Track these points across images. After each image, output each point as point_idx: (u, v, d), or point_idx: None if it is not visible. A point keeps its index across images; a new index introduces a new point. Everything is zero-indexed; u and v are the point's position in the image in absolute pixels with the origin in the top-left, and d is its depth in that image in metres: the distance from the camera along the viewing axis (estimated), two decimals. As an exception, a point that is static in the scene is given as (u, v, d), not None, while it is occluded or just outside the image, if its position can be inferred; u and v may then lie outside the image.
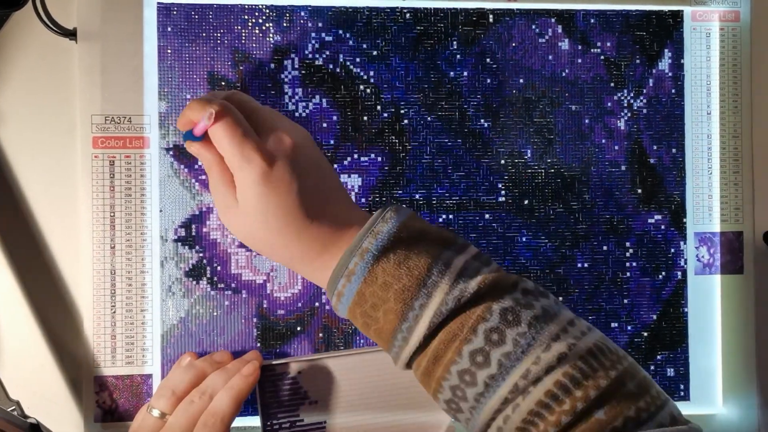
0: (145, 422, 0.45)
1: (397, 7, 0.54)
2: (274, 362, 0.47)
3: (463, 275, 0.36)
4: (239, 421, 0.52)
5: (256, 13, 0.53)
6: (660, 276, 0.56)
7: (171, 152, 0.52)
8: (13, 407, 0.47)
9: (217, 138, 0.37)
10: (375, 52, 0.54)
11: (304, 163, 0.38)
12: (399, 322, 0.36)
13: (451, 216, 0.54)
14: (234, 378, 0.46)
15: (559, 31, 0.55)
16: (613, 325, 0.55)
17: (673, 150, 0.56)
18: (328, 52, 0.53)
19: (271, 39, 0.53)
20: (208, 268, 0.52)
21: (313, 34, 0.53)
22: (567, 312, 0.37)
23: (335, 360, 0.49)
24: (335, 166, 0.53)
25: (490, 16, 0.55)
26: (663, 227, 0.56)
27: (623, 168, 0.56)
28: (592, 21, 0.55)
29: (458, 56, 0.54)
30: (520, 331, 0.35)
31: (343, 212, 0.39)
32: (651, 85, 0.56)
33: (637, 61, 0.56)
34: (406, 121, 0.54)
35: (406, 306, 0.35)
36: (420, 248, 0.37)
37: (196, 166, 0.52)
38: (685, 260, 0.56)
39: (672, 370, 0.56)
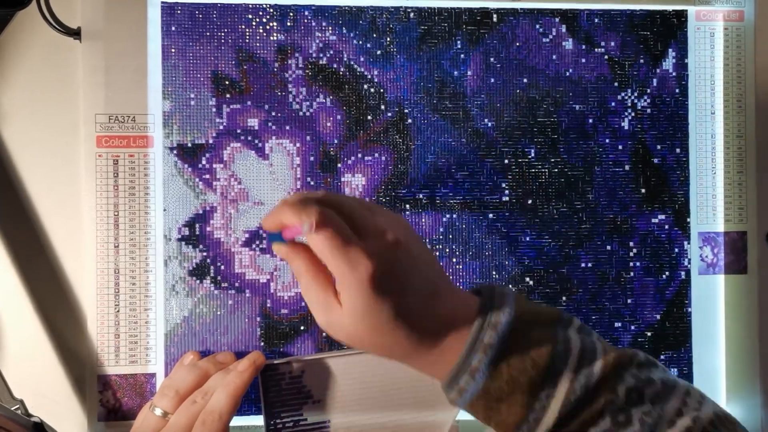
0: (148, 421, 0.45)
1: (402, 7, 0.54)
2: (277, 361, 0.47)
3: (584, 358, 0.36)
4: (243, 421, 0.52)
5: (260, 13, 0.53)
6: (663, 276, 0.56)
7: (175, 151, 0.52)
8: (17, 406, 0.47)
9: (317, 246, 0.36)
10: (379, 52, 0.54)
11: (409, 259, 0.37)
12: (525, 414, 0.35)
13: (455, 216, 0.54)
14: (230, 375, 0.46)
15: (563, 30, 0.55)
16: (616, 324, 0.55)
17: (677, 150, 0.56)
18: (332, 52, 0.53)
19: (275, 38, 0.53)
20: (212, 267, 0.52)
21: (317, 33, 0.53)
22: (680, 381, 0.38)
23: (338, 359, 0.49)
24: (339, 166, 0.53)
25: (494, 15, 0.55)
26: (667, 227, 0.56)
27: (627, 168, 0.56)
28: (596, 21, 0.55)
29: (462, 55, 0.54)
30: (645, 409, 0.35)
31: (449, 300, 0.38)
32: (655, 84, 0.56)
33: (641, 60, 0.56)
34: (410, 121, 0.54)
35: (532, 398, 0.35)
36: (537, 333, 0.36)
37: (200, 166, 0.52)
38: (689, 260, 0.56)
39: (675, 369, 0.55)
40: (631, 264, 0.55)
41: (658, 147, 0.56)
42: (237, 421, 0.51)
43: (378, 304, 0.35)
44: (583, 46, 0.55)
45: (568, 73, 0.55)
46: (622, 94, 0.56)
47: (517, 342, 0.36)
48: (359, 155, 0.54)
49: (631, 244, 0.55)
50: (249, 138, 0.53)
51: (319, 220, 0.35)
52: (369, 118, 0.54)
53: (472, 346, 0.36)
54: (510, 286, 0.54)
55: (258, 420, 0.51)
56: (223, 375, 0.47)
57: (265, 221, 0.38)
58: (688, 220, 0.56)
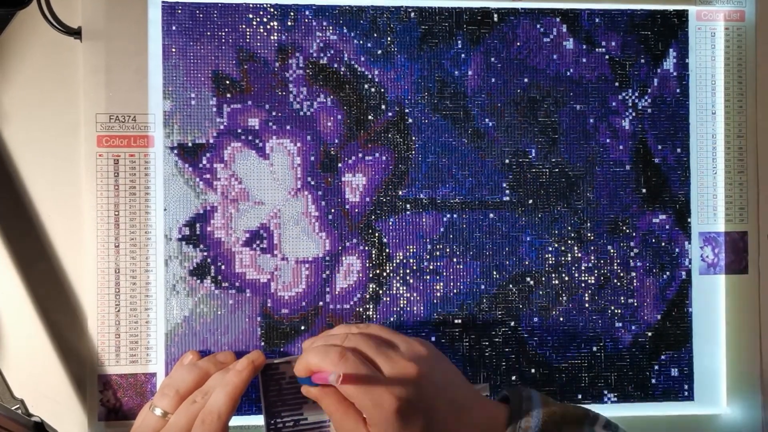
0: (147, 421, 0.45)
1: (402, 6, 0.54)
2: (277, 361, 0.47)
3: None
4: (243, 420, 0.52)
5: (261, 12, 0.53)
6: (664, 276, 0.56)
7: (175, 151, 0.52)
8: (18, 406, 0.47)
9: (344, 389, 0.39)
10: (380, 51, 0.54)
11: (432, 387, 0.40)
12: None
13: (455, 215, 0.54)
14: (229, 374, 0.46)
15: (564, 30, 0.55)
16: (617, 324, 0.55)
17: (678, 150, 0.56)
18: (332, 51, 0.53)
19: (275, 38, 0.53)
20: (213, 266, 0.52)
21: (318, 33, 0.53)
22: None
23: None
24: (339, 165, 0.53)
25: (495, 15, 0.55)
26: (667, 227, 0.56)
27: (628, 167, 0.56)
28: (597, 20, 0.55)
29: (463, 55, 0.54)
30: None
31: (477, 413, 0.40)
32: (656, 84, 0.56)
33: (642, 60, 0.56)
34: (410, 120, 0.54)
35: None
36: None
37: (201, 165, 0.52)
38: (690, 260, 0.56)
39: (676, 370, 0.55)
40: (632, 264, 0.55)
41: (659, 147, 0.56)
42: (237, 421, 0.51)
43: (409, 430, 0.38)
44: (584, 46, 0.55)
45: (568, 73, 0.55)
46: (623, 94, 0.56)
47: None
48: (360, 155, 0.54)
49: (632, 244, 0.55)
50: (249, 138, 0.53)
51: (342, 364, 0.38)
52: (370, 117, 0.54)
53: None
54: (510, 287, 0.54)
55: (258, 420, 0.51)
56: (222, 374, 0.46)
57: (297, 368, 0.42)
58: (689, 220, 0.56)
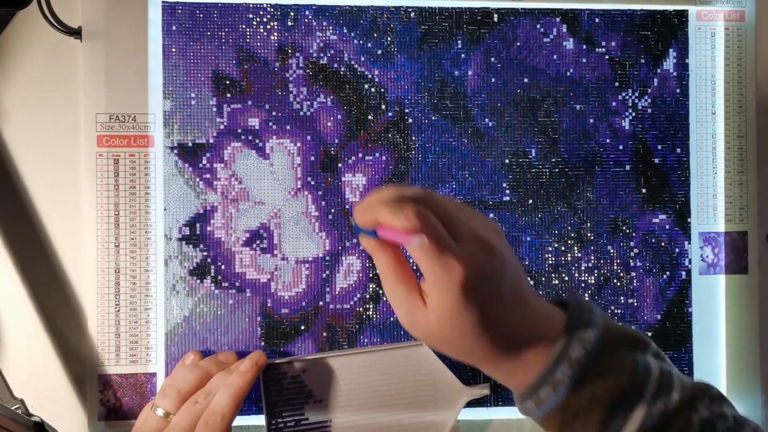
0: (149, 421, 0.45)
1: (402, 6, 0.54)
2: (278, 361, 0.47)
3: (662, 385, 0.36)
4: (244, 420, 0.52)
5: (261, 12, 0.53)
6: (664, 276, 0.56)
7: (175, 151, 0.52)
8: (18, 405, 0.47)
9: (414, 249, 0.35)
10: (380, 51, 0.54)
11: (501, 266, 0.37)
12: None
13: (455, 215, 0.54)
14: (232, 375, 0.46)
15: (564, 30, 0.55)
16: (617, 324, 0.55)
17: (678, 150, 0.56)
18: (332, 51, 0.53)
19: (275, 38, 0.53)
20: (213, 266, 0.52)
21: (318, 33, 0.53)
22: (749, 420, 0.38)
23: (339, 359, 0.49)
24: (339, 165, 0.53)
25: (495, 15, 0.55)
26: (667, 227, 0.56)
27: (627, 168, 0.56)
28: (597, 20, 0.55)
29: (463, 55, 0.54)
30: None
31: (536, 311, 0.38)
32: (655, 84, 0.56)
33: (642, 60, 0.56)
34: (410, 120, 0.54)
35: (609, 418, 0.35)
36: (620, 354, 0.37)
37: (201, 165, 0.52)
38: (690, 260, 0.56)
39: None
40: (632, 264, 0.55)
41: (659, 147, 0.56)
42: (238, 421, 0.51)
43: (467, 309, 0.35)
44: (584, 46, 0.55)
45: (568, 73, 0.55)
46: (623, 94, 0.56)
47: (602, 360, 0.36)
48: (360, 155, 0.54)
49: (632, 244, 0.55)
50: (249, 137, 0.53)
51: (418, 222, 0.35)
52: (370, 117, 0.54)
53: (559, 359, 0.36)
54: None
55: (259, 419, 0.51)
56: (225, 375, 0.46)
57: (359, 216, 0.37)
58: (689, 220, 0.56)
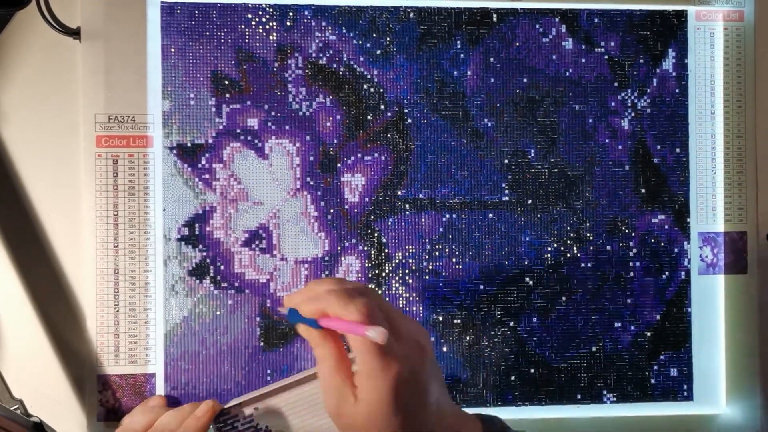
0: None
1: (401, 6, 0.54)
2: (227, 406, 0.46)
3: None
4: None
5: (260, 12, 0.53)
6: (663, 276, 0.56)
7: (174, 151, 0.52)
8: (17, 406, 0.47)
9: (370, 339, 0.36)
10: (379, 51, 0.54)
11: (431, 370, 0.38)
12: None
13: (454, 216, 0.54)
14: (188, 420, 0.45)
15: (563, 30, 0.55)
16: (616, 324, 0.55)
17: (677, 150, 0.56)
18: (331, 51, 0.53)
19: (274, 38, 0.53)
20: (212, 267, 0.52)
21: (317, 33, 0.53)
22: None
23: (279, 397, 0.47)
24: (338, 165, 0.53)
25: (494, 15, 0.55)
26: (666, 227, 0.56)
27: (627, 167, 0.56)
28: (596, 20, 0.55)
29: (462, 55, 0.54)
30: None
31: (453, 420, 0.39)
32: (655, 84, 0.56)
33: (641, 60, 0.56)
34: (409, 120, 0.54)
35: None
36: None
37: (200, 165, 0.52)
38: (689, 260, 0.56)
39: (675, 370, 0.55)
40: (631, 264, 0.55)
41: (658, 147, 0.56)
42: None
43: (396, 409, 0.36)
44: (583, 46, 0.55)
45: (567, 73, 0.55)
46: (622, 94, 0.56)
47: None
48: (359, 155, 0.54)
49: (631, 244, 0.55)
50: (248, 138, 0.53)
51: (368, 316, 0.36)
52: (369, 118, 0.54)
53: None
54: (510, 287, 0.54)
55: None
56: (173, 414, 0.46)
57: (305, 305, 0.38)
58: (688, 220, 0.56)
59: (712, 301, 0.56)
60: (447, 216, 0.54)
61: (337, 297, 0.37)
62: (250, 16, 0.53)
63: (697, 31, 0.57)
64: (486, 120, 0.54)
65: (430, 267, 0.54)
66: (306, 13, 0.53)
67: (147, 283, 0.52)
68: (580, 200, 0.55)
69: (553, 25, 0.55)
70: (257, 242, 0.52)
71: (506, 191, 0.55)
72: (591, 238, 0.55)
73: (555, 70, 0.55)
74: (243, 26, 0.53)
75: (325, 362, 0.38)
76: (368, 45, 0.54)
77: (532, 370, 0.54)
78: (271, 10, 0.53)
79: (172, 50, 0.52)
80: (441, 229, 0.54)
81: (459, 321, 0.54)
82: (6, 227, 0.51)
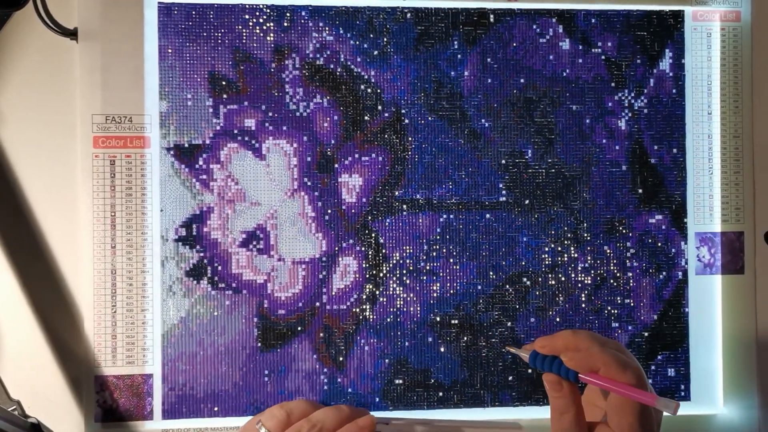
0: None
1: (398, 7, 0.54)
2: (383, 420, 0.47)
3: None
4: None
5: (257, 13, 0.53)
6: (661, 276, 0.56)
7: (171, 152, 0.52)
8: (14, 407, 0.47)
9: (628, 402, 0.39)
10: (376, 52, 0.54)
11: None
12: None
13: (452, 216, 0.54)
14: (350, 425, 0.45)
15: (560, 30, 0.55)
16: (613, 325, 0.55)
17: (674, 150, 0.56)
18: (328, 52, 0.53)
19: (271, 38, 0.53)
20: (209, 267, 0.52)
21: (314, 34, 0.53)
22: None
23: (433, 427, 0.48)
24: (336, 166, 0.53)
25: (491, 15, 0.55)
26: (664, 227, 0.56)
27: (624, 168, 0.56)
28: (593, 21, 0.55)
29: (459, 56, 0.54)
30: None
31: None
32: (652, 85, 0.56)
33: (638, 61, 0.56)
34: (407, 121, 0.54)
35: None
36: None
37: (197, 166, 0.52)
38: (686, 260, 0.56)
39: (672, 370, 0.55)
40: (628, 264, 0.55)
41: (655, 147, 0.56)
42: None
43: None
44: (580, 47, 0.55)
45: (565, 74, 0.55)
46: (619, 95, 0.56)
47: None
48: (356, 155, 0.54)
49: (629, 244, 0.55)
50: (246, 138, 0.53)
51: (643, 381, 0.39)
52: (366, 118, 0.54)
53: None
54: (507, 287, 0.54)
55: None
56: (334, 411, 0.45)
57: (569, 358, 0.40)
58: (685, 220, 0.56)
59: (709, 301, 0.56)
60: (444, 216, 0.54)
61: (614, 360, 0.39)
62: (247, 16, 0.53)
63: (694, 31, 0.57)
64: (483, 120, 0.54)
65: (428, 267, 0.54)
66: (303, 13, 0.53)
67: (144, 283, 0.52)
68: (578, 200, 0.55)
69: (550, 26, 0.55)
70: (254, 243, 0.52)
71: (503, 192, 0.55)
72: (588, 238, 0.55)
73: (552, 70, 0.55)
74: (240, 27, 0.53)
75: (568, 413, 0.40)
76: (365, 45, 0.54)
77: (530, 371, 0.54)
78: (268, 10, 0.53)
79: (169, 51, 0.52)
80: (438, 230, 0.54)
81: (456, 321, 0.54)
82: (3, 228, 0.51)
